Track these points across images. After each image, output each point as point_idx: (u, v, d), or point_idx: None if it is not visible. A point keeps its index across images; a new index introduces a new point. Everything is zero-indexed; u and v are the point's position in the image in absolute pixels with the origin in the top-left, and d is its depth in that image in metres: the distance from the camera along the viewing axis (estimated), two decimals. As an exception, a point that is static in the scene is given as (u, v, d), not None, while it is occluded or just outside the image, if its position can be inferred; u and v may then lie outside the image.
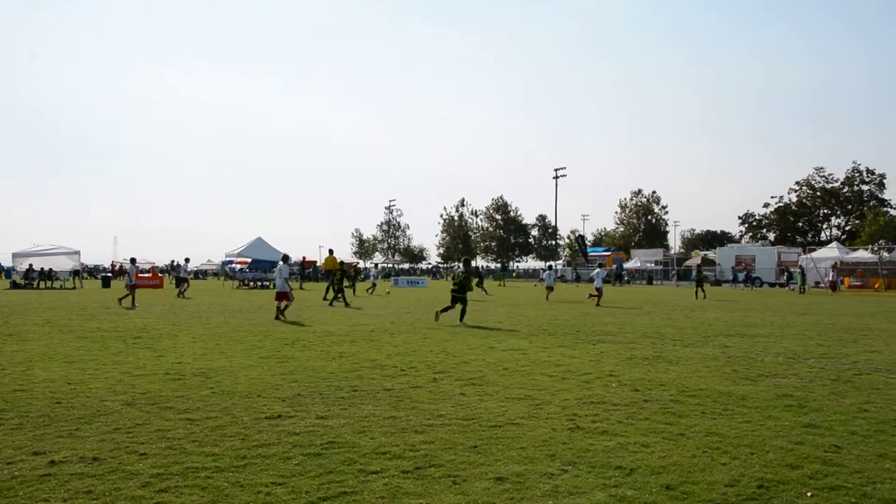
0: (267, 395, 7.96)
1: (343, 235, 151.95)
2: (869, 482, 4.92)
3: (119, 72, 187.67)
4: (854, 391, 8.44)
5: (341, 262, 27.72)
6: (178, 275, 35.32)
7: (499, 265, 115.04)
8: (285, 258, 21.65)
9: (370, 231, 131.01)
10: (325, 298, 27.83)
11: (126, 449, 5.61)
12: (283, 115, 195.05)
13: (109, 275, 55.62)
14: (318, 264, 69.14)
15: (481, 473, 5.06)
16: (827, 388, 8.66)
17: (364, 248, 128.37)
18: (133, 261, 27.33)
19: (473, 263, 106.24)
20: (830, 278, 43.92)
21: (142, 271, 58.21)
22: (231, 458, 5.39)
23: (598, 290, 28.51)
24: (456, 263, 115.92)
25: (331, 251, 30.91)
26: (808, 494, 4.66)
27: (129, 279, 25.32)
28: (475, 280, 39.67)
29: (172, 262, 74.36)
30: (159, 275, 50.84)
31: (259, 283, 46.65)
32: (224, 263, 69.86)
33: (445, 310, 18.46)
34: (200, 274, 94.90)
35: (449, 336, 14.56)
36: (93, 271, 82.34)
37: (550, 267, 43.59)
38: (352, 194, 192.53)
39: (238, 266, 57.57)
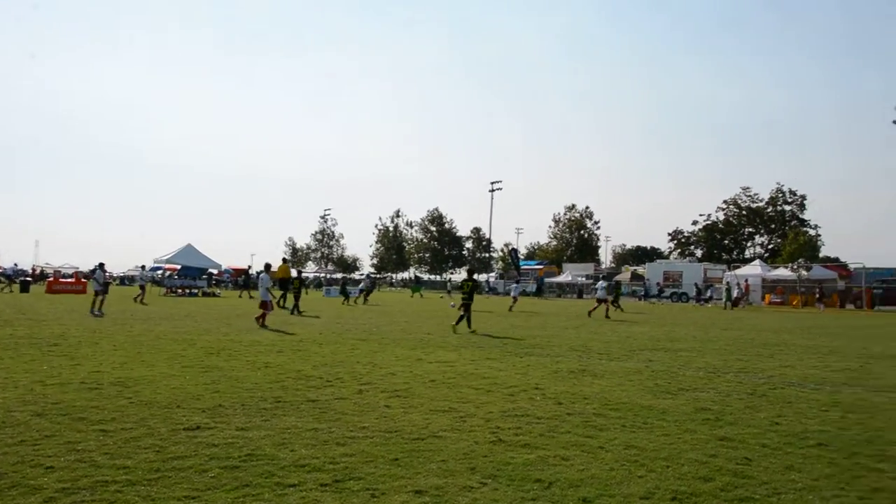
0: (187, 405, 7.76)
1: (276, 243, 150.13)
2: (775, 493, 5.10)
3: (38, 70, 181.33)
4: (768, 405, 8.74)
5: (299, 271, 28.97)
6: (139, 283, 35.71)
7: (432, 276, 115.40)
8: (267, 268, 22.19)
9: (304, 240, 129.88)
10: (282, 307, 28.46)
11: (31, 462, 5.38)
12: (215, 122, 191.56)
13: (29, 279, 53.36)
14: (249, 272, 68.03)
15: (400, 486, 5.03)
16: (743, 401, 8.94)
17: (297, 256, 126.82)
18: (101, 266, 26.32)
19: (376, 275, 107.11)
20: (736, 294, 45.58)
21: (64, 276, 56.18)
22: (144, 472, 5.22)
23: (599, 300, 28.59)
24: (389, 275, 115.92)
25: (284, 260, 32.77)
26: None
27: (96, 284, 24.42)
28: (364, 292, 40.11)
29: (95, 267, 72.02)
30: (82, 280, 49.02)
31: (188, 291, 45.57)
32: (152, 269, 67.90)
33: (460, 320, 18.55)
34: (126, 280, 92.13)
35: (377, 347, 14.48)
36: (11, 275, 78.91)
37: (517, 281, 47.40)
38: (285, 202, 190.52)
39: (166, 272, 56.09)
